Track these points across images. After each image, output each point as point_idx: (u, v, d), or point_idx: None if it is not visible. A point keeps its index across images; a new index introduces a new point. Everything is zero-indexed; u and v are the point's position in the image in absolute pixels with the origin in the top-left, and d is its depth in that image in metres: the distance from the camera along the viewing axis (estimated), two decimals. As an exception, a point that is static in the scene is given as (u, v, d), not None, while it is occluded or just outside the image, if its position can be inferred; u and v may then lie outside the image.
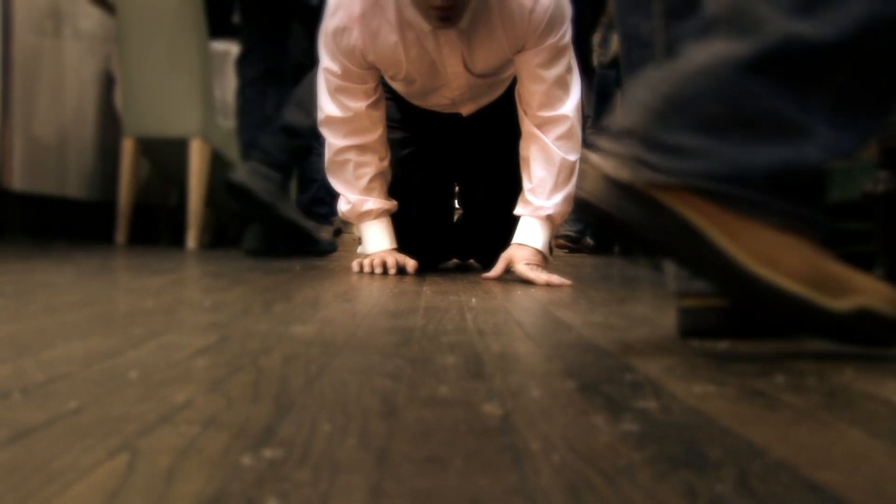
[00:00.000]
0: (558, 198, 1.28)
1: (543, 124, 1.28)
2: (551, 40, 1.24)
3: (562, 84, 1.27)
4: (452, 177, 1.63)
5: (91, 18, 2.65)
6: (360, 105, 1.31)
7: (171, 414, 0.35)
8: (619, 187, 0.50)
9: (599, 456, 0.30)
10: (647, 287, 1.27)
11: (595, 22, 2.47)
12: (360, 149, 1.34)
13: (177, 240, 2.61)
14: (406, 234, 1.41)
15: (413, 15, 1.21)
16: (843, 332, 0.53)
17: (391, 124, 1.43)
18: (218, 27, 2.43)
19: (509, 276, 1.29)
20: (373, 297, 0.95)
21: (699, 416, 0.37)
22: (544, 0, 1.21)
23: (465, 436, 0.33)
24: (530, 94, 1.28)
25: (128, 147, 2.43)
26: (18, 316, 0.66)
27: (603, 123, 0.62)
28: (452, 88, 1.35)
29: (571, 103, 1.28)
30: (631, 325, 0.73)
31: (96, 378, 0.42)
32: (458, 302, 0.90)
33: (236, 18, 2.16)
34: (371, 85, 1.32)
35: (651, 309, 0.89)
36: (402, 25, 1.23)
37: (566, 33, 1.25)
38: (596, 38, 2.67)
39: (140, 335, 0.57)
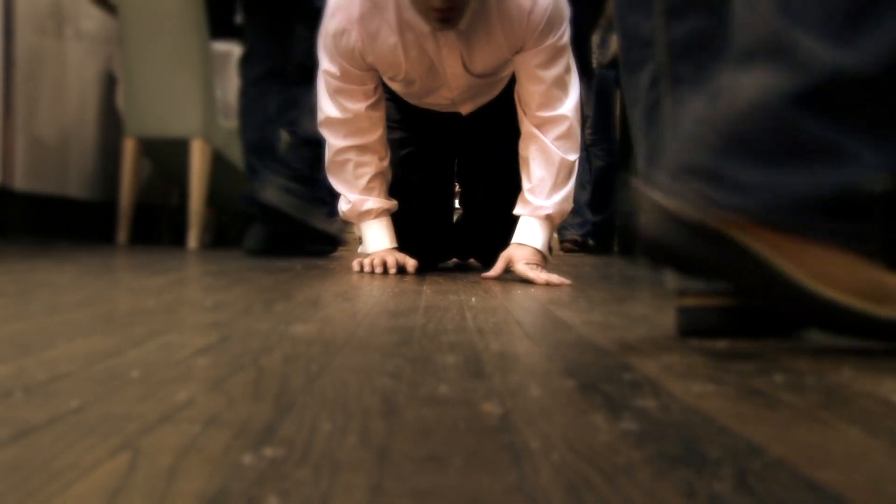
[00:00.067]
0: (558, 197, 1.28)
1: (542, 124, 1.28)
2: (550, 41, 1.24)
3: (560, 84, 1.27)
4: (452, 176, 1.63)
5: (93, 19, 2.65)
6: (359, 106, 1.31)
7: (173, 413, 0.35)
8: (687, 226, 0.53)
9: (599, 455, 0.30)
10: (646, 286, 1.27)
11: (594, 23, 2.47)
12: (360, 149, 1.35)
13: (178, 239, 2.62)
14: (406, 234, 1.41)
15: (413, 16, 1.21)
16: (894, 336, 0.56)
17: (390, 124, 1.43)
18: (219, 28, 2.43)
19: (509, 275, 1.30)
20: (373, 296, 0.95)
21: (698, 415, 0.37)
22: (543, 1, 1.21)
23: (464, 435, 0.33)
24: (529, 95, 1.28)
25: (129, 147, 2.43)
26: (20, 315, 0.67)
27: (656, 159, 0.63)
28: (452, 88, 1.36)
29: (570, 103, 1.29)
30: (630, 324, 0.73)
31: (98, 377, 0.42)
32: (458, 301, 0.90)
33: (238, 19, 2.17)
34: (370, 86, 1.32)
35: (650, 308, 0.89)
36: (402, 27, 1.23)
37: (565, 34, 1.26)
38: (595, 40, 2.68)
39: (141, 334, 0.57)
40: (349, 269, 1.43)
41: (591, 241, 3.00)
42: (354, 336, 0.60)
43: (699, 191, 0.52)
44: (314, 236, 1.97)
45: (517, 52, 1.27)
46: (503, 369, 0.48)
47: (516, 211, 1.31)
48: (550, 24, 1.23)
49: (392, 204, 1.40)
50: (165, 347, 0.52)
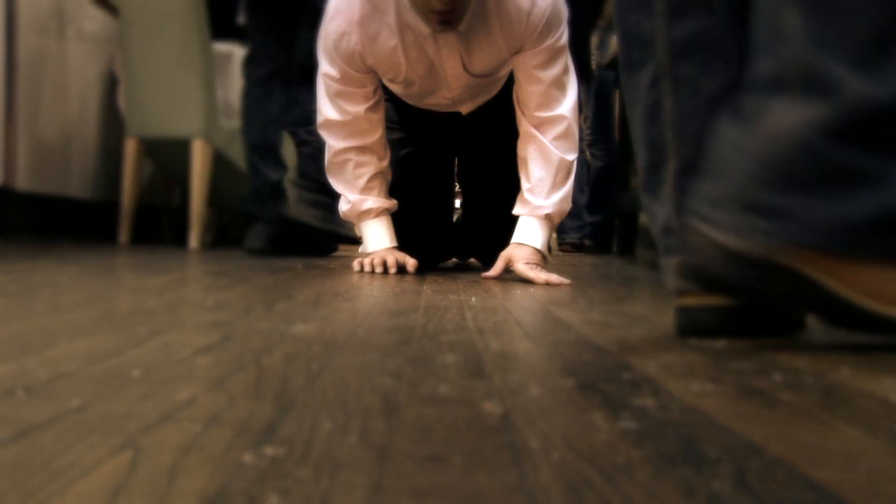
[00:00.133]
0: (557, 197, 1.28)
1: (541, 124, 1.29)
2: (549, 41, 1.25)
3: (559, 85, 1.28)
4: (452, 176, 1.64)
5: (94, 20, 2.65)
6: (358, 109, 1.32)
7: (174, 412, 0.35)
8: (736, 256, 0.56)
9: (598, 454, 0.30)
10: (645, 286, 1.28)
11: (593, 24, 2.48)
12: (360, 150, 1.35)
13: (179, 239, 2.62)
14: (406, 234, 1.41)
15: (413, 18, 1.22)
16: None
17: (389, 125, 1.43)
18: (221, 29, 2.43)
19: (509, 275, 1.30)
20: (373, 296, 0.95)
21: (697, 414, 0.37)
22: (541, 2, 1.22)
23: (464, 434, 0.33)
24: (527, 95, 1.29)
25: (131, 147, 2.43)
26: (22, 315, 0.67)
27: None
28: (451, 89, 1.36)
29: (568, 103, 1.29)
30: (629, 323, 0.73)
31: (99, 376, 0.42)
32: (458, 301, 0.90)
33: (240, 20, 2.17)
34: (370, 88, 1.32)
35: (649, 308, 0.90)
36: (402, 28, 1.23)
37: (563, 35, 1.26)
38: (594, 41, 2.69)
39: (143, 334, 0.57)
40: (350, 268, 1.43)
41: (587, 243, 3.01)
42: (355, 335, 0.60)
43: (751, 224, 0.55)
44: (314, 236, 1.98)
45: (516, 53, 1.27)
46: (503, 369, 0.48)
47: (515, 211, 1.31)
48: (549, 26, 1.23)
49: (392, 203, 1.40)
50: (166, 347, 0.52)
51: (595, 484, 0.27)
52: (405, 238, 1.41)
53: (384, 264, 1.33)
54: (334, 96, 1.32)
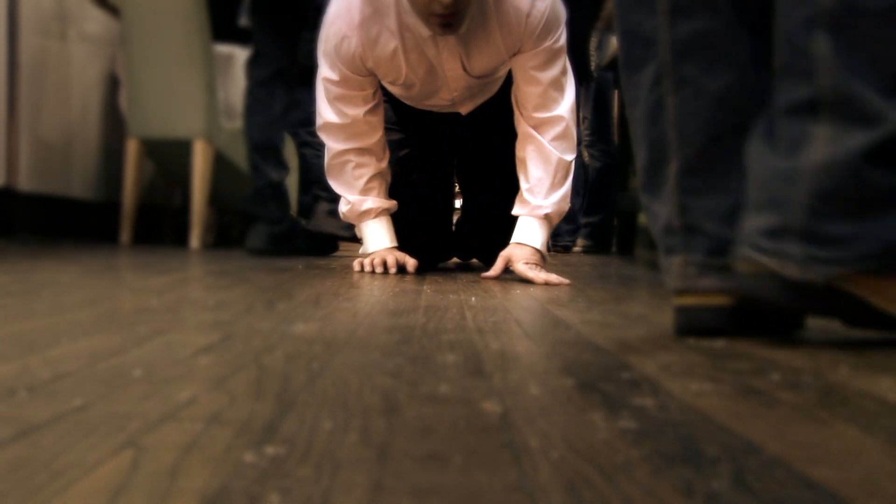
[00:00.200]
0: (556, 197, 1.29)
1: (539, 125, 1.29)
2: (547, 43, 1.25)
3: (557, 86, 1.29)
4: (451, 176, 1.64)
5: (96, 21, 2.66)
6: (358, 112, 1.32)
7: (175, 411, 0.35)
8: (797, 286, 0.57)
9: (597, 453, 0.30)
10: (644, 286, 1.28)
11: (592, 26, 2.49)
12: (359, 151, 1.36)
13: (180, 239, 2.62)
14: (406, 234, 1.41)
15: (413, 21, 1.22)
16: None
17: (387, 126, 1.44)
18: (222, 31, 2.44)
19: (508, 275, 1.30)
20: (374, 295, 0.95)
21: (696, 414, 0.37)
22: (540, 4, 1.22)
23: (464, 433, 0.33)
24: (526, 96, 1.29)
25: (132, 148, 2.44)
26: (25, 314, 0.67)
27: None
28: (451, 90, 1.36)
29: (566, 104, 1.30)
30: (628, 323, 0.74)
31: (101, 376, 0.42)
32: (457, 301, 0.90)
33: (243, 21, 2.18)
34: (369, 92, 1.33)
35: (648, 307, 0.90)
36: (402, 31, 1.24)
37: (561, 36, 1.27)
38: (592, 42, 2.69)
39: (144, 333, 0.58)
40: (350, 268, 1.43)
41: (575, 247, 3.02)
42: (355, 335, 0.60)
43: (810, 255, 0.56)
44: (315, 237, 1.99)
45: (514, 54, 1.28)
46: (503, 368, 0.48)
47: (515, 211, 1.31)
48: (548, 27, 1.24)
49: (392, 204, 1.40)
50: (168, 346, 0.53)
51: (594, 483, 0.27)
52: (405, 238, 1.41)
53: (384, 264, 1.34)
54: (334, 100, 1.32)
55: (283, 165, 2.03)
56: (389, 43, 1.25)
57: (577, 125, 1.38)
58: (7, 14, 2.20)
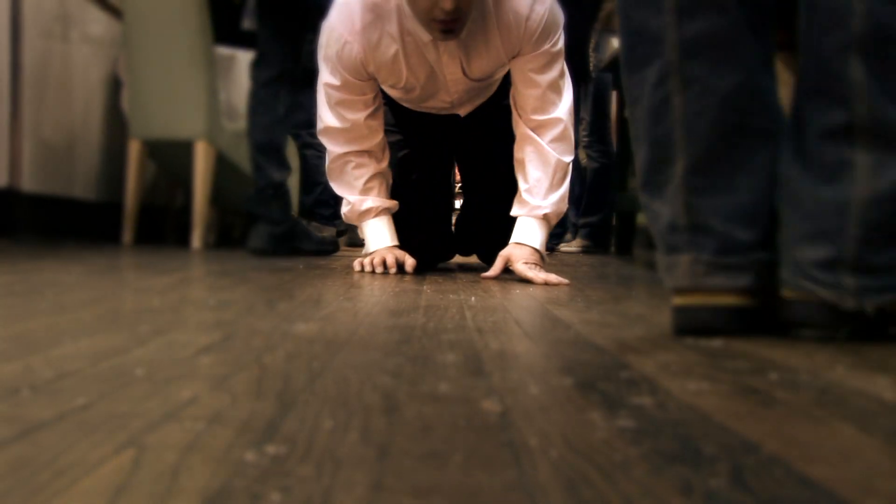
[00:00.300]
0: (555, 197, 1.29)
1: (538, 127, 1.30)
2: (546, 46, 1.26)
3: (555, 88, 1.29)
4: (451, 177, 1.65)
5: (98, 23, 2.66)
6: (358, 116, 1.33)
7: (177, 410, 0.35)
8: (848, 317, 0.59)
9: (596, 451, 0.31)
10: (642, 286, 1.28)
11: (590, 28, 2.49)
12: (359, 153, 1.37)
13: (182, 240, 2.63)
14: (406, 234, 1.42)
15: (414, 26, 1.23)
16: None
17: (386, 128, 1.44)
18: (225, 34, 2.44)
19: (508, 275, 1.30)
20: (374, 295, 0.95)
21: (694, 413, 0.37)
22: (539, 8, 1.23)
23: (464, 432, 0.33)
24: (524, 99, 1.30)
25: (134, 149, 2.44)
26: (28, 314, 0.67)
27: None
28: (451, 93, 1.37)
29: (564, 106, 1.31)
30: (627, 323, 0.74)
31: (103, 375, 0.43)
32: (457, 300, 0.90)
33: (245, 24, 2.18)
34: (370, 96, 1.34)
35: (647, 307, 0.90)
36: (403, 36, 1.25)
37: (559, 39, 1.28)
38: (590, 44, 2.70)
39: (146, 333, 0.58)
40: (351, 268, 1.44)
41: (559, 249, 3.02)
42: (356, 335, 0.60)
43: (854, 283, 0.58)
44: (315, 237, 2.00)
45: (514, 57, 1.29)
46: (502, 367, 0.48)
47: (513, 212, 1.32)
48: (546, 31, 1.25)
49: (392, 203, 1.41)
50: (170, 346, 0.53)
51: (593, 481, 0.27)
52: (405, 238, 1.41)
53: (384, 264, 1.34)
54: (335, 105, 1.33)
55: (285, 166, 2.04)
56: (390, 47, 1.26)
57: (576, 126, 1.39)
58: (10, 16, 2.21)
